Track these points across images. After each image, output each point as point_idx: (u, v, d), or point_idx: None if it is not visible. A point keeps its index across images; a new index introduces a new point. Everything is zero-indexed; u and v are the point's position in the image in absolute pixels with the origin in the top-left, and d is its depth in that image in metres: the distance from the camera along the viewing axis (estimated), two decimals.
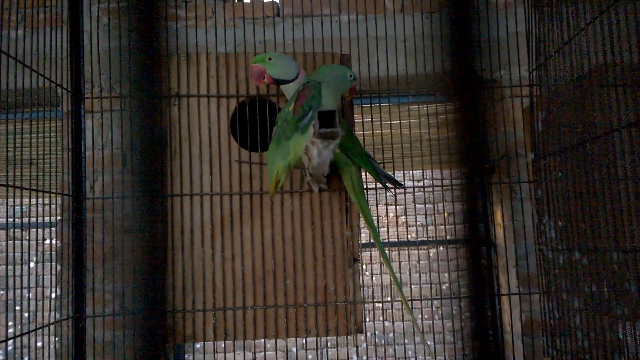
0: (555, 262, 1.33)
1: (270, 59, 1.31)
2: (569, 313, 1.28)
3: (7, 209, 1.63)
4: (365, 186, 1.43)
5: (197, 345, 2.47)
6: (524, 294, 1.54)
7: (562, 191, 1.31)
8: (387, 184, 1.41)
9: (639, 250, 1.10)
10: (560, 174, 1.31)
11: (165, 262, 0.27)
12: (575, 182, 1.26)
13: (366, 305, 2.29)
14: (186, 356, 2.06)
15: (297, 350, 1.86)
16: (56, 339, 1.82)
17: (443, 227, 2.26)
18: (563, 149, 1.30)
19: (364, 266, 2.31)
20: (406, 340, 2.14)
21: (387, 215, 1.98)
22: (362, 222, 1.41)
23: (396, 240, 1.93)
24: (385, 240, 2.19)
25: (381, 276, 2.05)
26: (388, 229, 1.42)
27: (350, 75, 1.33)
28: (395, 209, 1.63)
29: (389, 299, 2.04)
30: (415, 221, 2.17)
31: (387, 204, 1.71)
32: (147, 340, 0.25)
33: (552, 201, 1.35)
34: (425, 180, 2.24)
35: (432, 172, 1.84)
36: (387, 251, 2.33)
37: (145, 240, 0.26)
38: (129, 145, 0.27)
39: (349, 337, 2.13)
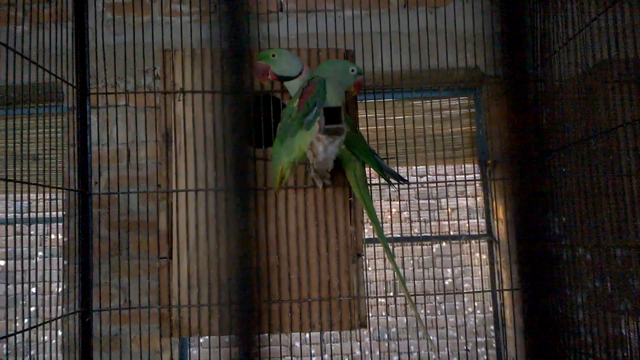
0: (559, 257, 1.34)
1: (274, 55, 1.31)
2: (572, 308, 1.29)
3: (14, 204, 1.64)
4: (369, 182, 1.43)
5: (202, 340, 2.49)
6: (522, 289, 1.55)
7: (566, 187, 1.31)
8: (390, 180, 1.41)
9: (637, 246, 1.10)
10: (564, 170, 1.32)
11: (255, 254, 0.29)
12: (579, 178, 1.26)
13: (370, 300, 2.30)
14: (191, 350, 2.07)
15: (300, 344, 1.87)
16: (61, 333, 1.84)
17: (446, 222, 2.26)
18: (567, 145, 1.31)
19: (367, 261, 2.33)
20: (409, 336, 2.15)
21: (390, 211, 1.99)
22: (366, 217, 1.42)
23: (399, 235, 1.94)
24: (388, 236, 2.20)
25: (384, 271, 2.05)
26: (392, 225, 1.43)
27: (353, 70, 1.33)
28: (399, 204, 1.63)
29: (392, 294, 2.05)
30: (419, 216, 2.17)
31: (390, 200, 1.71)
32: (243, 329, 0.27)
33: (556, 197, 1.35)
34: (429, 176, 2.24)
35: (435, 167, 1.84)
36: (390, 246, 2.34)
37: (239, 233, 0.27)
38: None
39: (352, 331, 2.14)
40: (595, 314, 1.21)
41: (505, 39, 0.33)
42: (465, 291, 1.71)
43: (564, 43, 1.32)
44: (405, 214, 2.05)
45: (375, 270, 2.36)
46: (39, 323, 1.36)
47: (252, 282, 0.27)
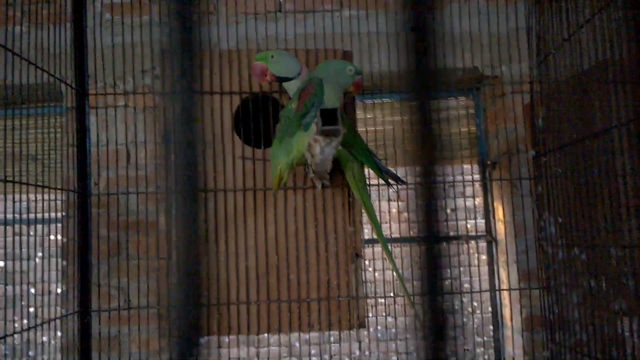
0: (555, 257, 1.36)
1: (272, 56, 1.33)
2: (567, 308, 1.31)
3: (13, 204, 1.66)
4: (367, 182, 1.45)
5: (201, 340, 2.50)
6: (524, 289, 1.57)
7: (562, 187, 1.34)
8: (389, 180, 1.43)
9: (637, 246, 1.12)
10: (560, 170, 1.34)
11: (202, 257, 0.30)
12: (574, 179, 1.28)
13: (369, 300, 2.32)
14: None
15: (300, 345, 1.89)
16: (61, 334, 1.86)
17: (446, 223, 2.28)
18: (563, 146, 1.33)
19: (367, 262, 2.35)
20: (408, 336, 2.17)
21: (389, 211, 2.01)
22: (366, 218, 1.44)
23: (398, 236, 1.96)
24: (388, 236, 2.22)
25: (383, 272, 2.07)
26: (390, 225, 1.45)
27: (351, 70, 1.35)
28: (397, 205, 1.65)
29: (392, 294, 2.06)
30: (417, 217, 2.19)
31: (389, 200, 1.74)
32: (184, 333, 0.28)
33: (552, 197, 1.37)
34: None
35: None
36: (391, 247, 2.36)
37: (186, 236, 0.28)
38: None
39: (351, 332, 2.16)
40: (591, 313, 1.23)
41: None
42: (464, 291, 1.73)
43: (559, 44, 1.34)
44: (404, 215, 2.07)
45: (374, 270, 2.38)
46: (37, 323, 1.38)
47: (199, 285, 0.28)
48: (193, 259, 0.27)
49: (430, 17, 0.29)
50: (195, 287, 0.27)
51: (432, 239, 0.29)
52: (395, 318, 1.79)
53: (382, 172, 1.38)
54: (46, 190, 1.72)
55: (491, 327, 1.94)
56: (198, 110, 0.28)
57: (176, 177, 0.29)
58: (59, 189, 1.55)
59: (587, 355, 1.25)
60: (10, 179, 1.71)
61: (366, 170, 1.43)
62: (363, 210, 1.41)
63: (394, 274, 1.39)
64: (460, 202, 2.05)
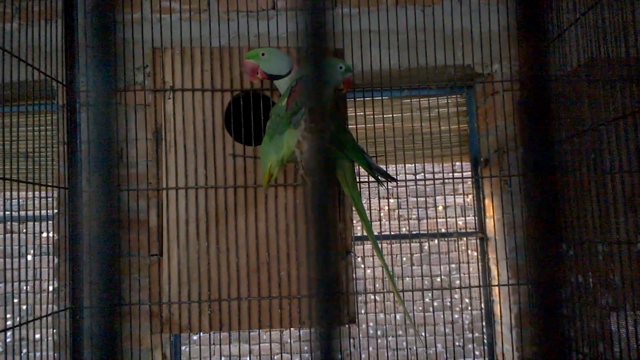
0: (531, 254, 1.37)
1: (263, 54, 1.34)
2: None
3: (4, 201, 1.67)
4: (358, 180, 1.46)
5: (194, 337, 2.51)
6: (512, 284, 1.58)
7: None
8: (380, 178, 1.44)
9: (623, 242, 1.14)
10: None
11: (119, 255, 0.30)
12: (563, 176, 1.29)
13: (361, 297, 2.33)
14: (183, 348, 2.10)
15: (291, 341, 1.91)
16: (54, 330, 1.86)
17: (436, 220, 2.30)
18: (557, 141, 1.34)
19: (359, 259, 2.36)
20: (400, 332, 2.19)
21: (379, 209, 2.02)
22: (356, 215, 1.45)
23: (388, 233, 1.97)
24: (381, 234, 2.23)
25: (373, 269, 2.09)
26: (381, 223, 1.46)
27: (341, 67, 1.35)
28: (388, 202, 1.67)
29: (383, 291, 2.08)
30: (408, 214, 2.21)
31: (379, 197, 1.75)
32: (104, 333, 0.27)
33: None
34: (420, 174, 2.28)
35: (423, 165, 1.88)
36: (382, 244, 2.37)
37: (102, 234, 0.28)
38: (90, 138, 0.29)
39: (344, 328, 2.18)
40: (579, 308, 1.25)
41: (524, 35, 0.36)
42: (455, 287, 1.75)
43: (550, 41, 1.35)
44: (398, 212, 2.08)
45: (365, 267, 2.40)
46: (29, 320, 1.38)
47: (115, 282, 0.28)
48: (108, 259, 0.27)
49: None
50: (111, 287, 0.27)
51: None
52: (385, 314, 1.80)
53: (372, 170, 1.40)
54: (38, 187, 1.72)
55: (483, 323, 1.95)
56: (114, 109, 0.28)
57: (93, 176, 0.29)
58: (50, 186, 1.55)
59: (575, 350, 1.27)
60: (2, 176, 1.71)
61: (357, 167, 1.44)
62: (353, 208, 1.42)
63: (383, 270, 1.40)
64: (451, 199, 2.07)
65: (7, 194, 2.30)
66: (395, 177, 1.48)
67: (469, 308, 2.21)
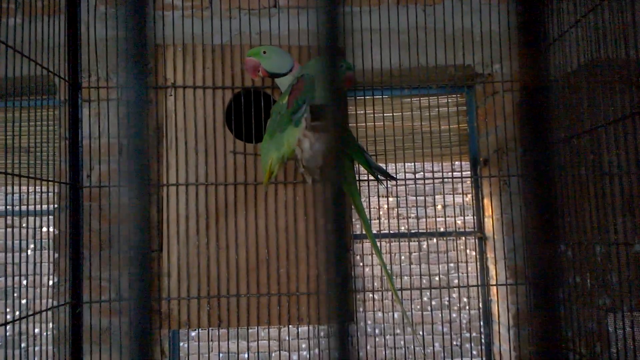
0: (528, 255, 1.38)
1: (264, 52, 1.34)
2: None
3: (5, 196, 1.67)
4: (358, 178, 1.47)
5: (192, 334, 2.52)
6: (511, 284, 1.59)
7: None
8: (379, 177, 1.45)
9: (621, 243, 1.14)
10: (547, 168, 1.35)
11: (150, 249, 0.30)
12: (562, 177, 1.30)
13: (359, 295, 2.33)
14: (181, 344, 2.11)
15: (289, 339, 1.91)
16: (53, 325, 1.87)
17: (437, 219, 2.31)
18: (552, 143, 1.35)
19: (357, 257, 2.36)
20: (398, 331, 2.20)
21: (379, 207, 2.03)
22: (355, 213, 1.46)
23: (387, 232, 1.97)
24: (380, 232, 2.24)
25: (372, 267, 2.10)
26: (380, 221, 1.46)
27: (342, 65, 1.36)
28: (387, 200, 1.67)
29: (382, 289, 2.09)
30: (407, 213, 2.21)
31: (379, 196, 1.75)
32: (138, 325, 0.28)
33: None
34: (420, 173, 2.28)
35: (423, 164, 1.88)
36: (381, 242, 2.38)
37: (139, 229, 0.29)
38: (124, 134, 0.30)
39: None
40: (576, 308, 1.25)
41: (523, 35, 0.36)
42: (454, 286, 1.75)
43: (549, 43, 1.36)
44: (397, 211, 2.09)
45: (364, 265, 2.41)
46: (29, 314, 1.39)
47: (148, 277, 0.29)
48: (144, 253, 0.28)
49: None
50: (147, 281, 0.28)
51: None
52: (383, 313, 1.80)
53: (372, 168, 1.40)
54: (39, 182, 1.72)
55: (480, 323, 1.96)
56: (149, 104, 0.29)
57: (128, 170, 0.30)
58: (51, 181, 1.56)
59: (572, 350, 1.28)
60: (3, 170, 1.72)
61: (356, 166, 1.45)
62: (353, 206, 1.43)
63: (382, 269, 1.41)
64: (451, 198, 2.07)
65: (8, 188, 2.31)
66: (394, 175, 1.49)
67: (467, 307, 2.22)
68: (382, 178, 1.45)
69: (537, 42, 0.38)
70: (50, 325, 1.88)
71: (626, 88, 1.22)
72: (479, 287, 1.94)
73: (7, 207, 2.35)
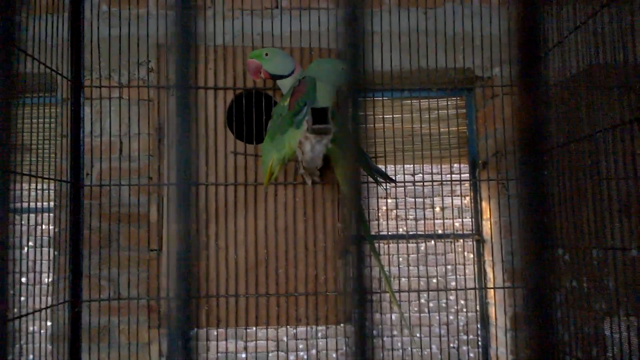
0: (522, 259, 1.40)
1: (266, 54, 1.35)
2: (550, 307, 1.35)
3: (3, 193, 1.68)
4: None
5: (193, 333, 2.52)
6: (508, 287, 1.60)
7: (548, 189, 1.37)
8: (378, 179, 1.46)
9: (617, 248, 1.16)
10: (546, 172, 1.37)
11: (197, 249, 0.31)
12: (560, 181, 1.31)
13: (356, 297, 2.33)
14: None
15: (287, 339, 1.92)
16: (50, 323, 1.87)
17: (436, 221, 2.32)
18: (549, 148, 1.36)
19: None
20: (395, 332, 2.21)
21: (378, 209, 2.04)
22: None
23: (385, 233, 1.99)
24: (379, 233, 2.25)
25: (370, 269, 2.10)
26: (379, 223, 1.47)
27: (344, 68, 1.37)
28: (386, 202, 1.68)
29: (379, 290, 2.09)
30: (406, 215, 2.23)
31: (377, 198, 1.77)
32: (181, 324, 0.29)
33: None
34: (419, 175, 2.29)
35: (422, 166, 1.89)
36: (379, 244, 2.39)
37: (182, 228, 0.30)
38: (171, 136, 0.31)
39: (339, 327, 2.20)
40: (572, 312, 1.27)
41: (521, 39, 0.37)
42: (451, 289, 1.77)
43: (549, 49, 1.37)
44: (396, 212, 2.10)
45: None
46: (28, 312, 1.39)
47: (192, 277, 0.30)
48: (187, 252, 0.29)
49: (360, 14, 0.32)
50: (189, 280, 0.29)
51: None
52: (381, 315, 1.81)
53: (372, 170, 1.41)
54: (39, 180, 1.73)
55: (478, 326, 1.97)
56: (194, 105, 0.30)
57: (172, 171, 0.31)
58: (52, 179, 1.57)
59: (569, 354, 1.29)
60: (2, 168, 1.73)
61: None
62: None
63: (380, 271, 1.42)
64: (449, 201, 2.09)
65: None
66: (393, 177, 1.50)
67: (464, 310, 2.23)
68: (381, 180, 1.47)
69: (536, 49, 0.39)
70: (49, 323, 1.88)
71: (624, 94, 1.23)
72: (477, 290, 1.95)
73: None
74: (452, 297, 2.30)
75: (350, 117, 0.30)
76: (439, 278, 2.08)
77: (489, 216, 1.96)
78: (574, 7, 1.32)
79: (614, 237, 1.18)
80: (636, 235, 1.17)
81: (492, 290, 1.88)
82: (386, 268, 1.96)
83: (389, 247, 1.72)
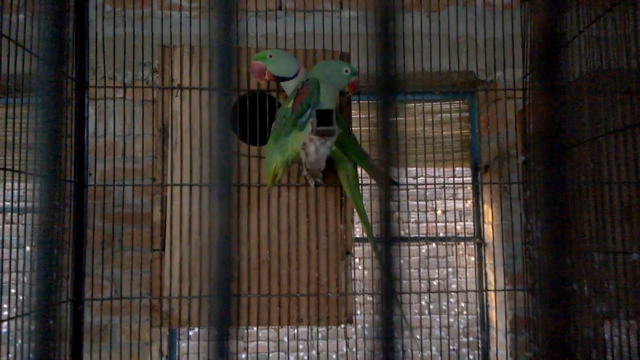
0: (540, 260, 1.41)
1: (270, 56, 1.37)
2: None
3: (4, 192, 1.69)
4: (360, 182, 1.50)
5: (190, 333, 2.55)
6: (509, 290, 1.62)
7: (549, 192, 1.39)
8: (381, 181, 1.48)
9: (619, 252, 1.17)
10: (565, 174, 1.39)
11: (236, 249, 0.32)
12: (562, 185, 1.33)
13: (357, 298, 2.36)
14: (179, 343, 2.13)
15: (288, 340, 1.94)
16: (51, 322, 1.89)
17: (437, 224, 2.34)
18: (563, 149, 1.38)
19: (357, 260, 2.39)
20: (396, 334, 2.22)
21: (379, 211, 2.05)
22: (357, 216, 1.49)
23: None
24: (381, 235, 2.26)
25: (372, 271, 2.12)
26: (380, 225, 1.49)
27: (347, 71, 1.39)
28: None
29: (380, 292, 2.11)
30: (408, 217, 2.24)
31: (380, 200, 1.78)
32: (220, 323, 0.30)
33: (539, 202, 1.42)
34: (421, 178, 2.31)
35: (424, 169, 1.92)
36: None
37: (221, 228, 0.31)
38: (212, 138, 0.32)
39: (339, 328, 2.21)
40: (573, 315, 1.28)
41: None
42: (452, 290, 1.78)
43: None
44: (397, 215, 2.12)
45: (364, 269, 2.44)
46: (29, 311, 1.41)
47: (231, 276, 0.31)
48: (227, 252, 0.30)
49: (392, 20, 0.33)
50: (229, 279, 0.30)
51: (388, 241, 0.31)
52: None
53: (374, 172, 1.43)
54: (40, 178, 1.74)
55: (478, 328, 1.99)
56: (231, 107, 0.31)
57: (213, 172, 0.32)
58: (57, 178, 1.58)
59: (568, 357, 1.30)
60: (6, 167, 1.74)
61: (359, 170, 1.48)
62: (354, 209, 1.46)
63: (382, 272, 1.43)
64: (451, 204, 2.10)
65: (8, 184, 2.33)
66: (396, 180, 1.52)
67: (465, 312, 2.25)
68: (383, 182, 1.48)
69: (556, 48, 0.40)
70: (51, 322, 1.90)
71: (627, 98, 1.25)
72: (477, 293, 1.97)
73: (6, 203, 2.37)
74: (452, 300, 2.31)
75: (380, 121, 0.31)
76: (440, 281, 2.10)
77: (490, 219, 1.98)
78: (577, 11, 1.34)
79: (615, 241, 1.20)
80: (637, 239, 1.18)
81: (492, 292, 1.90)
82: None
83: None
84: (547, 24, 0.40)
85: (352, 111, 1.59)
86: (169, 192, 1.47)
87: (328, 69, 1.37)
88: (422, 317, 2.26)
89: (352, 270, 1.51)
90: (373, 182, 1.48)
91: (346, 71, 1.38)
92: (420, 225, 2.47)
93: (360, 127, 1.62)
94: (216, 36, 0.30)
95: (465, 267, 2.13)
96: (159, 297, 1.44)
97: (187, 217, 1.46)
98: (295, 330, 2.18)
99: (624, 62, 1.22)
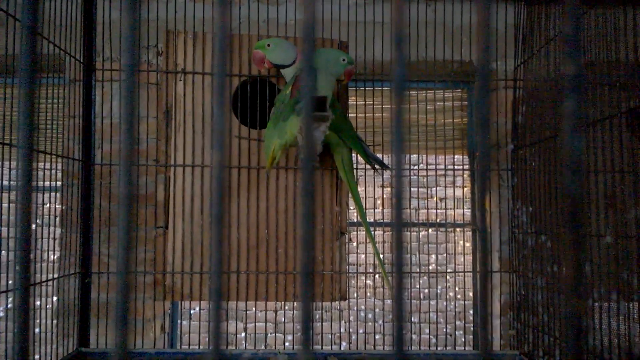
0: (525, 244, 1.56)
1: (269, 45, 1.52)
2: (533, 291, 1.52)
3: (9, 171, 1.84)
4: (355, 167, 1.65)
5: (192, 312, 2.72)
6: (495, 272, 1.77)
7: (534, 179, 1.53)
8: (375, 166, 1.62)
9: (591, 235, 1.32)
10: (534, 163, 1.53)
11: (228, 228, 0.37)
12: (546, 172, 1.47)
13: (353, 281, 2.52)
14: (180, 321, 2.31)
15: (285, 321, 2.10)
16: (57, 298, 2.06)
17: (435, 210, 2.48)
18: (538, 141, 1.52)
19: (354, 244, 2.54)
20: (391, 317, 2.38)
21: (375, 197, 2.20)
22: (352, 200, 1.64)
23: (381, 220, 2.15)
24: (377, 221, 2.41)
25: (365, 255, 2.27)
26: (375, 211, 1.63)
27: (344, 59, 1.53)
28: (382, 190, 1.84)
29: (373, 272, 2.27)
30: (409, 204, 2.39)
31: (374, 186, 1.93)
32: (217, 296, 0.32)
33: (525, 188, 1.57)
34: (421, 165, 2.45)
35: (424, 156, 2.05)
36: (378, 231, 2.55)
37: (216, 208, 0.32)
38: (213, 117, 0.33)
39: (335, 309, 2.37)
40: (553, 295, 1.43)
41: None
42: (450, 271, 1.93)
43: (541, 46, 1.52)
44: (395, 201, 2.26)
45: (357, 253, 2.59)
46: (36, 282, 1.57)
47: (224, 254, 0.33)
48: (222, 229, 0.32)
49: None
50: (223, 256, 0.32)
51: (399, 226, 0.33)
52: (374, 299, 1.97)
53: (368, 158, 1.58)
54: (47, 158, 1.91)
55: (471, 312, 2.14)
56: (228, 91, 0.35)
57: (211, 154, 0.33)
58: (64, 157, 1.74)
59: (547, 333, 1.46)
60: (12, 143, 1.90)
61: (354, 155, 1.63)
62: (349, 193, 1.61)
63: (374, 255, 1.59)
64: (448, 191, 2.25)
65: (13, 163, 2.49)
66: (389, 165, 1.67)
67: (459, 296, 2.40)
68: (378, 167, 1.63)
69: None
70: (55, 298, 2.07)
71: (614, 90, 1.38)
72: (473, 274, 2.12)
73: (12, 182, 2.54)
74: (447, 284, 2.47)
75: (395, 110, 0.33)
76: (436, 265, 2.25)
77: (486, 206, 2.12)
78: (562, 9, 1.46)
79: (599, 226, 1.34)
80: (611, 223, 1.33)
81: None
82: (382, 256, 2.13)
83: (385, 234, 1.88)
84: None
85: (350, 97, 1.73)
86: (172, 173, 1.62)
87: (326, 58, 1.52)
88: (416, 301, 2.42)
89: (346, 250, 1.67)
90: (368, 167, 1.63)
91: (343, 60, 1.53)
92: (418, 211, 2.62)
93: (356, 114, 1.76)
94: (217, 22, 0.33)
95: (464, 254, 2.28)
96: (162, 272, 1.61)
97: (189, 197, 1.62)
98: (292, 312, 2.34)
99: (613, 54, 1.35)
